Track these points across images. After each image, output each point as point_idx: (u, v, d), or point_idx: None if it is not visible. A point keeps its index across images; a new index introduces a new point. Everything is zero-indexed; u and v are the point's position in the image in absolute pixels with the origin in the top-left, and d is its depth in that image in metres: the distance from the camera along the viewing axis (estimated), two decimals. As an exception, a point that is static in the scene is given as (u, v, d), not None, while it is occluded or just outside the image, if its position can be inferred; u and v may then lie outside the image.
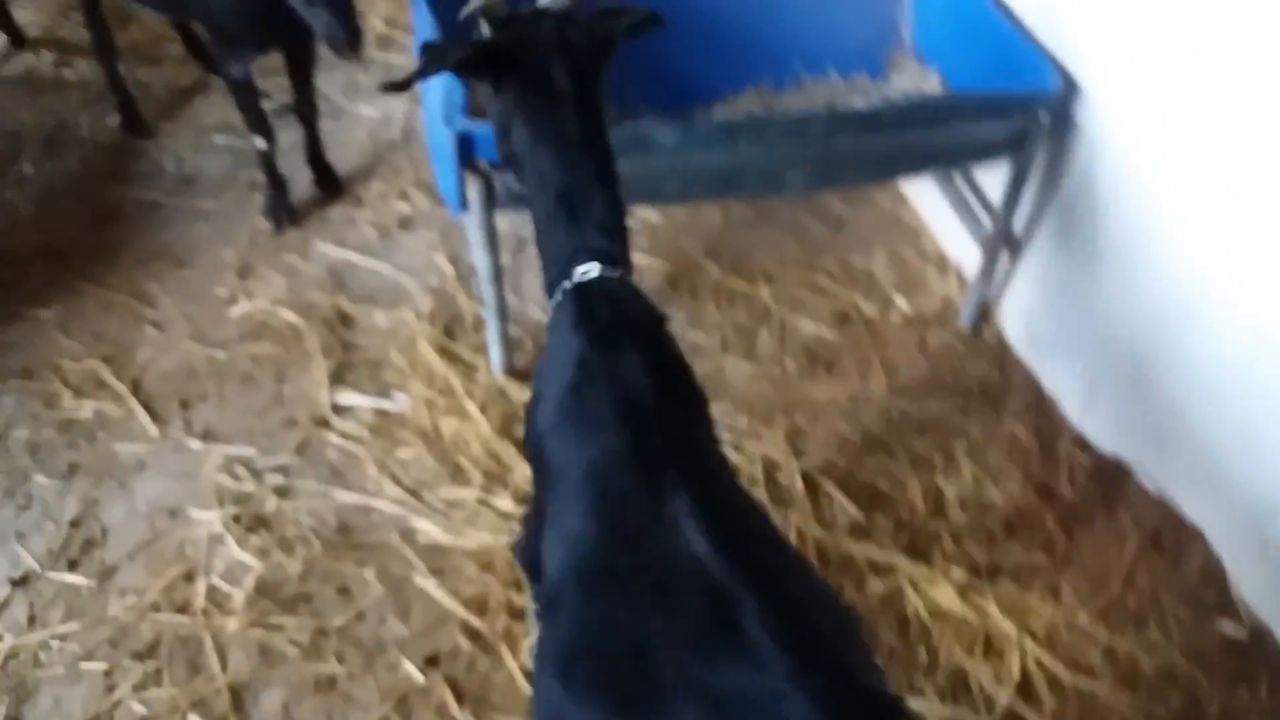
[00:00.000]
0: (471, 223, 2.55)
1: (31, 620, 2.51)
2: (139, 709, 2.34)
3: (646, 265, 3.23)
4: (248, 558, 2.56)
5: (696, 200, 3.22)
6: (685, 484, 1.41)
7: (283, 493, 2.69)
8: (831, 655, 1.29)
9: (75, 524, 2.68)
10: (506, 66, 1.74)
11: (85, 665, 2.41)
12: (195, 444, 2.81)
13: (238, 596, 2.50)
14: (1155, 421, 2.51)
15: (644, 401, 1.53)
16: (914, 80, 3.06)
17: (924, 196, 3.30)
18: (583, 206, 1.70)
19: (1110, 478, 2.66)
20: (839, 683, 1.24)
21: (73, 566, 2.60)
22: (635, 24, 1.86)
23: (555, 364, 1.67)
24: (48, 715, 2.35)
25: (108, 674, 2.40)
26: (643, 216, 3.37)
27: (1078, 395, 2.75)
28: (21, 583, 2.57)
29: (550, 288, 1.72)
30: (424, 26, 2.60)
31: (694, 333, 3.05)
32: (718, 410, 2.80)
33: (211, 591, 2.52)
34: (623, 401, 1.53)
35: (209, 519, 2.64)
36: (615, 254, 1.69)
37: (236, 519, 2.64)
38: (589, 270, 1.65)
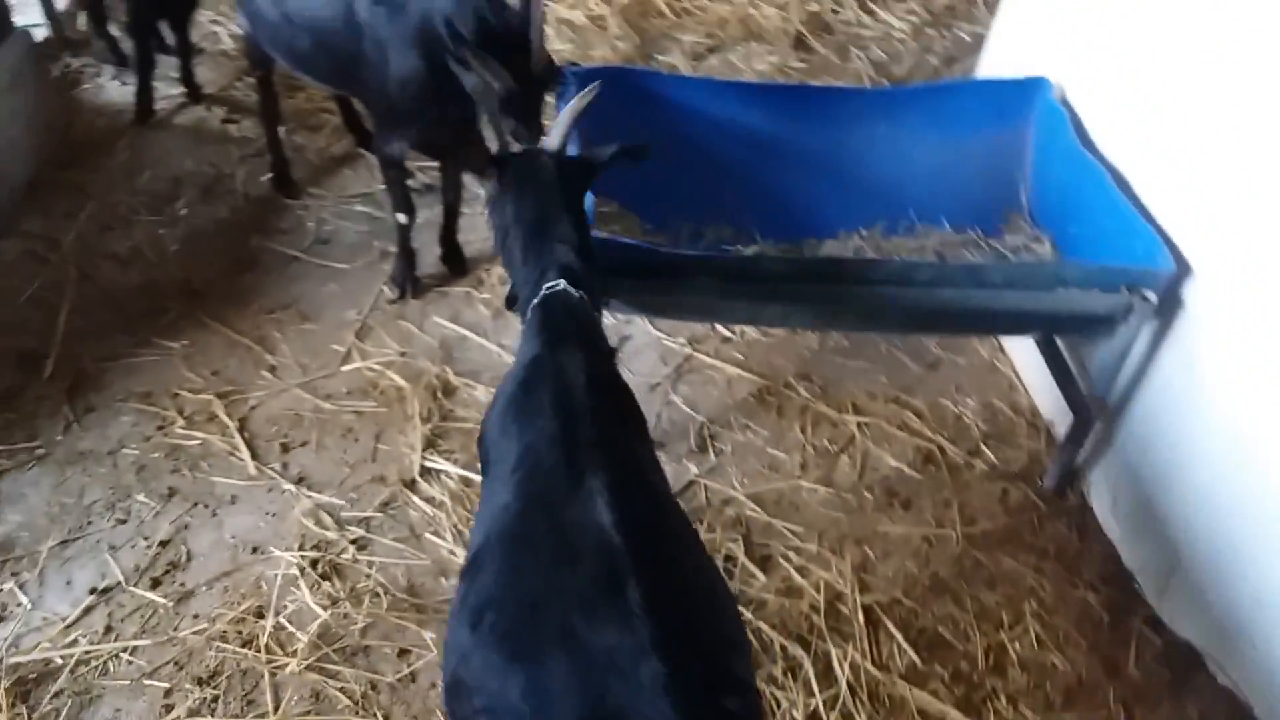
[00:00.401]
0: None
1: (108, 630, 2.64)
2: (190, 735, 2.43)
3: (736, 377, 3.31)
4: (316, 604, 2.66)
5: (796, 327, 3.30)
6: (606, 466, 1.61)
7: (361, 545, 2.80)
8: (696, 634, 1.45)
9: (164, 544, 2.83)
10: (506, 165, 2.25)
11: (148, 682, 2.52)
12: (288, 486, 2.96)
13: (301, 639, 2.59)
14: (1234, 614, 2.44)
15: (580, 394, 1.77)
16: (1025, 242, 3.12)
17: (1023, 351, 3.32)
18: (555, 232, 2.08)
19: (1180, 663, 2.58)
20: (693, 656, 1.40)
21: (154, 585, 2.73)
22: (623, 154, 2.27)
23: (513, 369, 1.94)
24: (105, 724, 2.45)
25: (167, 694, 2.50)
26: (740, 330, 3.46)
27: (1157, 573, 2.70)
28: (105, 593, 2.72)
29: (523, 309, 2.02)
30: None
31: (774, 450, 3.10)
32: (786, 530, 2.85)
33: (278, 630, 2.62)
34: (563, 392, 1.78)
35: (288, 560, 2.76)
36: (580, 277, 2.02)
37: (314, 564, 2.75)
38: (556, 285, 1.97)
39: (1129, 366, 2.74)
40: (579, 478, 1.60)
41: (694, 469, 3.04)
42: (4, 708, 2.44)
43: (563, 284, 1.98)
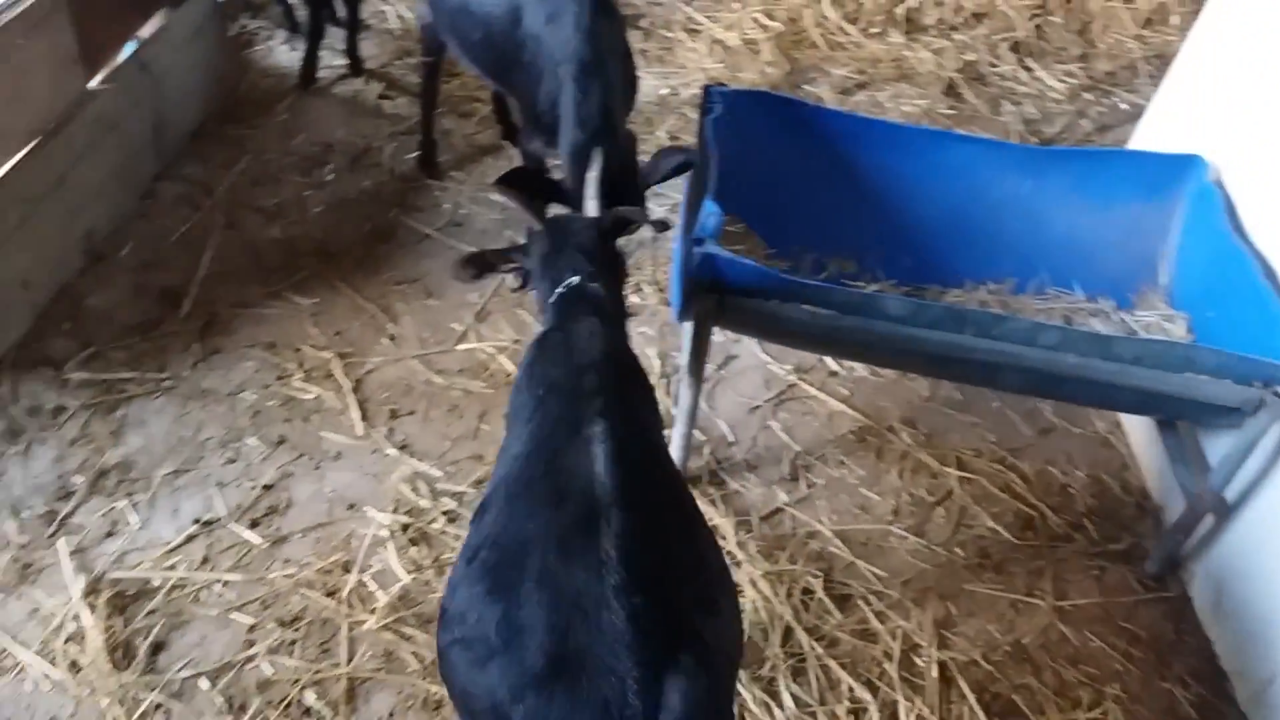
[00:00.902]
0: (688, 332, 2.69)
1: (205, 561, 2.77)
2: (266, 670, 2.53)
3: (838, 412, 3.29)
4: (401, 567, 2.74)
5: (909, 371, 3.26)
6: (607, 416, 1.69)
7: (451, 518, 2.88)
8: (664, 588, 1.49)
9: (268, 488, 2.95)
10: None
11: (234, 616, 2.64)
12: (391, 451, 3.06)
13: (381, 599, 2.67)
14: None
15: (591, 352, 1.91)
16: (1159, 319, 3.02)
17: (1141, 430, 3.21)
18: (574, 241, 2.23)
19: (1267, 777, 2.46)
20: (656, 609, 1.44)
21: (253, 525, 2.86)
22: (643, 223, 2.39)
23: (527, 350, 2.08)
24: (189, 649, 2.57)
25: (251, 629, 2.61)
26: (849, 366, 3.44)
27: (1254, 679, 2.57)
28: (207, 525, 2.85)
29: (546, 312, 2.17)
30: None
31: (868, 492, 3.06)
32: (870, 573, 2.81)
33: (361, 587, 2.71)
34: (574, 350, 1.92)
35: (380, 521, 2.85)
36: (596, 274, 2.17)
37: (404, 529, 2.83)
38: (573, 280, 2.13)
39: (1252, 463, 2.63)
40: (578, 424, 1.70)
41: (783, 496, 3.02)
42: (102, 617, 2.59)
43: (579, 279, 2.14)
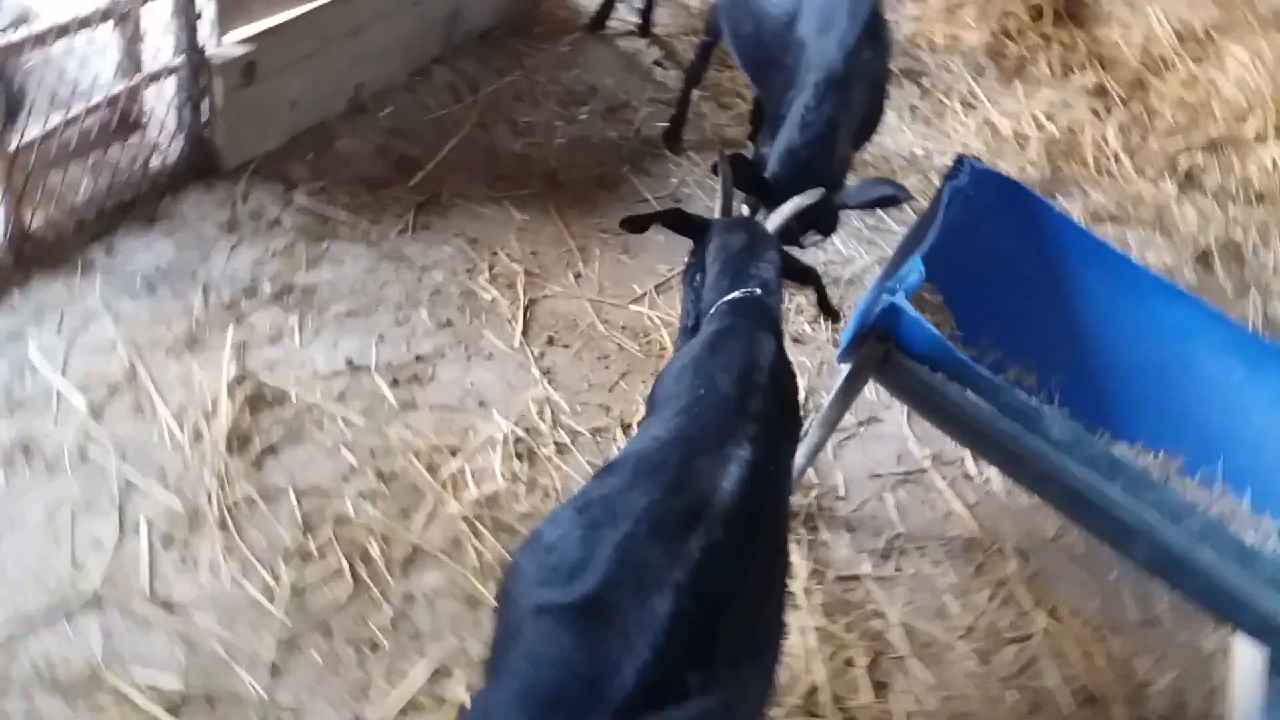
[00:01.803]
0: (842, 375, 2.70)
1: (340, 396, 3.00)
2: (348, 508, 2.72)
3: (957, 514, 3.22)
4: (500, 473, 2.89)
5: (1045, 500, 3.15)
6: (754, 442, 1.73)
7: (560, 449, 3.01)
8: (719, 609, 1.52)
9: (419, 359, 3.16)
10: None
11: (344, 452, 2.85)
12: (535, 371, 3.22)
13: (472, 493, 2.83)
14: None
15: (761, 372, 1.92)
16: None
17: (1248, 661, 2.99)
18: (759, 256, 2.26)
19: None
20: (702, 620, 1.48)
21: (394, 384, 3.07)
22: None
23: (698, 338, 2.09)
24: (294, 463, 2.80)
25: (351, 470, 2.82)
26: (984, 475, 3.37)
27: None
28: (356, 368, 3.08)
29: (704, 312, 2.19)
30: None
31: (951, 599, 2.99)
32: (917, 672, 2.76)
33: (459, 474, 2.87)
34: (748, 365, 1.93)
35: (501, 426, 3.01)
36: (776, 291, 2.22)
37: (517, 441, 2.99)
38: (752, 291, 2.16)
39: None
40: (726, 439, 1.74)
41: (867, 567, 3.00)
42: (237, 407, 2.85)
43: (759, 291, 2.15)
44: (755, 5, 3.37)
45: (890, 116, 4.54)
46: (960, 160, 3.03)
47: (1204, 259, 4.57)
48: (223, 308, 3.13)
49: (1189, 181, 4.93)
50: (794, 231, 2.47)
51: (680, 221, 2.43)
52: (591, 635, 1.46)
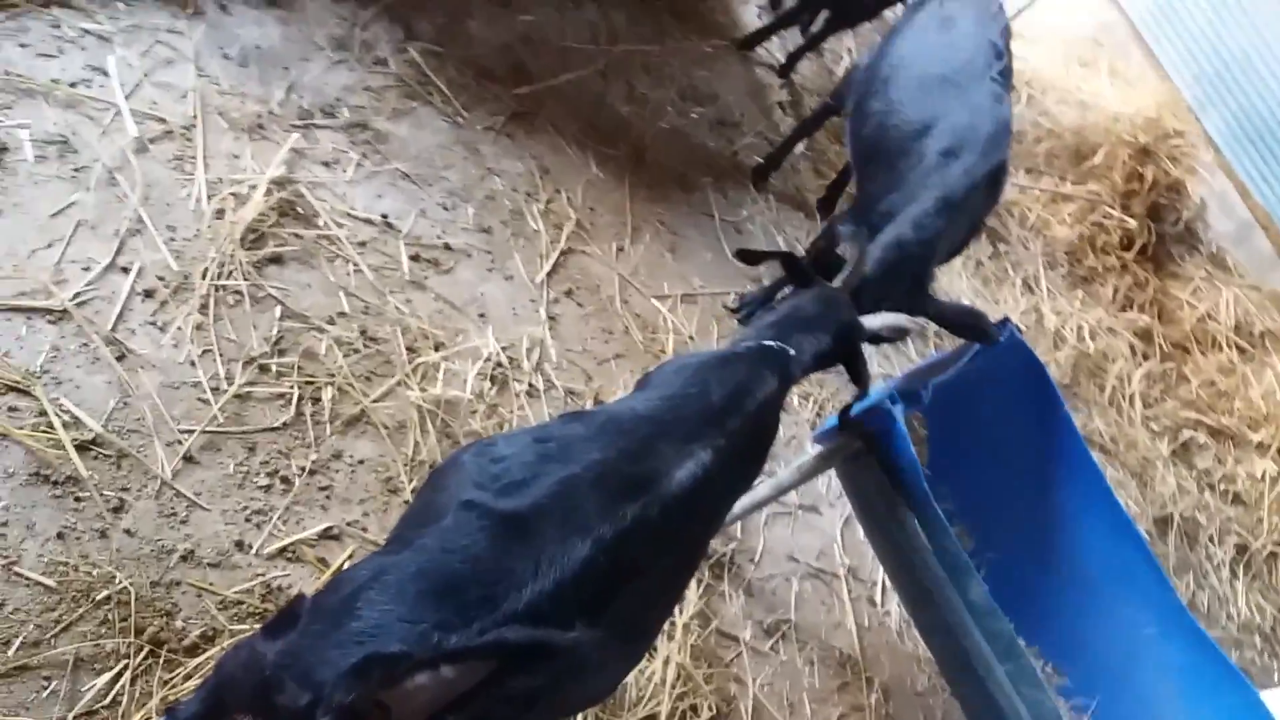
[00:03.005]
0: (808, 453, 2.76)
1: (363, 245, 3.02)
2: (320, 347, 2.74)
3: (846, 629, 3.28)
4: (470, 385, 2.92)
5: (933, 651, 3.19)
6: (716, 456, 1.79)
7: (532, 393, 3.04)
8: (623, 582, 1.59)
9: (447, 248, 3.19)
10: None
11: (341, 295, 2.87)
12: (542, 312, 3.26)
13: (435, 390, 2.85)
14: None
15: (750, 407, 1.96)
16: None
17: None
18: (810, 330, 2.28)
19: None
20: (606, 584, 1.55)
21: (414, 259, 3.10)
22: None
23: (709, 351, 2.24)
24: (290, 280, 2.82)
25: (340, 314, 2.84)
26: (889, 611, 3.42)
27: None
28: (388, 226, 3.10)
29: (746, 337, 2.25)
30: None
31: (807, 695, 3.05)
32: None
33: (432, 366, 2.90)
34: (741, 388, 1.97)
35: (490, 345, 3.04)
36: (815, 365, 2.27)
37: (498, 364, 3.02)
38: (792, 353, 2.18)
39: None
40: (695, 439, 1.80)
41: (749, 634, 3.05)
42: (268, 206, 2.85)
43: (791, 352, 2.19)
44: (890, 99, 3.42)
45: (957, 259, 4.62)
46: (1005, 321, 3.11)
47: (1162, 525, 4.69)
48: (298, 112, 3.14)
49: (1182, 452, 5.07)
50: (878, 335, 2.51)
51: (791, 265, 2.47)
52: (507, 547, 1.51)
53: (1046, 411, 3.20)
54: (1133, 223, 5.61)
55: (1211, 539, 4.82)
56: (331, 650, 1.37)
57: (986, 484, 3.20)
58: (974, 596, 2.52)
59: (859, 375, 2.40)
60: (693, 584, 2.98)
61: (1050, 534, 3.19)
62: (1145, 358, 5.32)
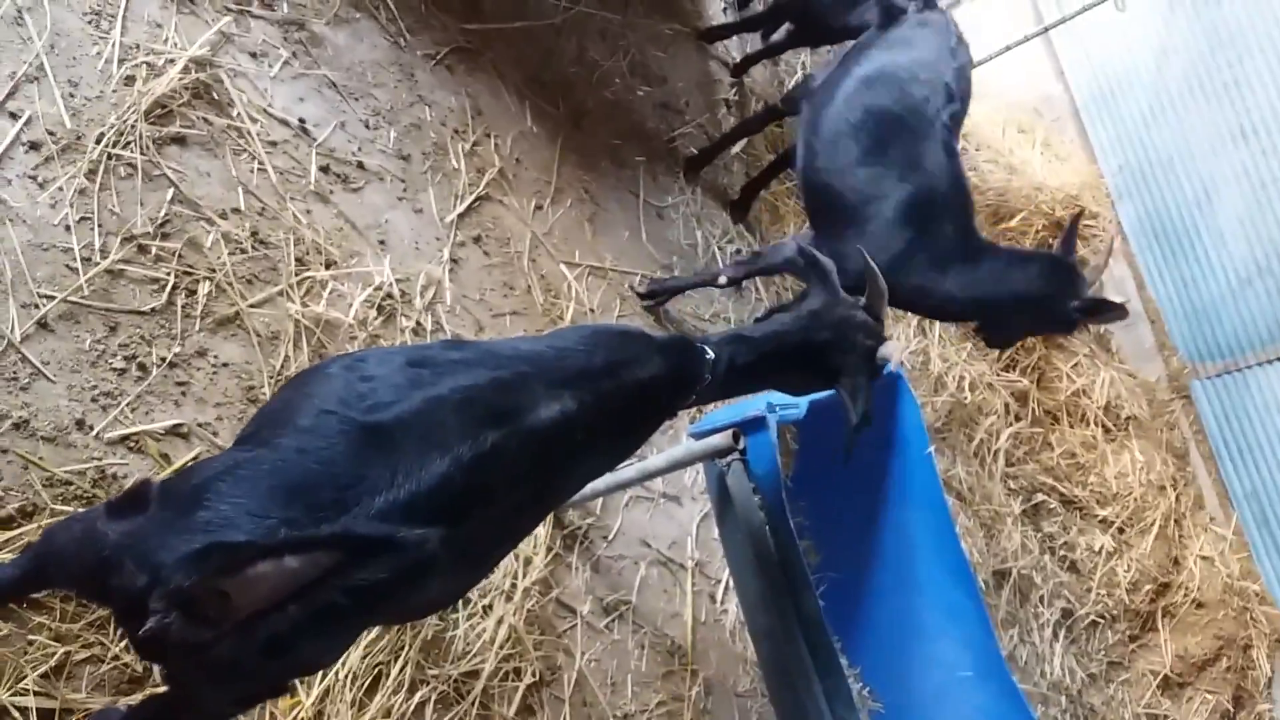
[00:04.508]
0: (682, 447, 2.79)
1: (273, 143, 2.91)
2: (206, 240, 2.63)
3: (680, 619, 3.33)
4: (355, 311, 2.85)
5: (760, 654, 3.22)
6: (580, 408, 1.81)
7: (419, 332, 2.99)
8: (473, 505, 1.60)
9: (360, 166, 3.11)
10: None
11: (240, 193, 2.77)
12: (445, 253, 3.19)
13: (318, 308, 2.77)
14: None
15: (633, 377, 1.98)
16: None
17: None
18: (750, 340, 2.28)
19: None
20: (457, 501, 1.57)
21: (323, 169, 3.01)
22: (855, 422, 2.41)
23: (622, 324, 2.30)
24: (190, 165, 2.70)
25: (239, 213, 2.74)
26: (728, 609, 3.48)
27: None
28: (304, 132, 3.01)
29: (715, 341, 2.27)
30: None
31: (632, 678, 3.08)
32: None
33: (319, 283, 2.82)
34: (630, 359, 1.99)
35: (384, 274, 2.98)
36: (718, 351, 2.20)
37: (388, 296, 2.95)
38: (705, 350, 2.18)
39: None
40: (567, 387, 1.82)
41: (587, 609, 3.07)
42: (176, 83, 2.71)
43: (709, 355, 2.17)
44: (841, 128, 3.43)
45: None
46: (886, 368, 3.19)
47: (1000, 577, 4.89)
48: (234, -4, 3.00)
49: (1032, 513, 5.30)
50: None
51: (813, 262, 2.46)
52: (365, 455, 1.51)
53: (912, 449, 3.30)
54: (1031, 288, 5.81)
55: (1042, 599, 5.05)
56: (175, 536, 1.37)
57: (842, 506, 3.30)
58: (807, 609, 2.59)
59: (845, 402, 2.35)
60: (541, 550, 2.98)
61: (893, 565, 3.29)
62: (1017, 418, 5.52)
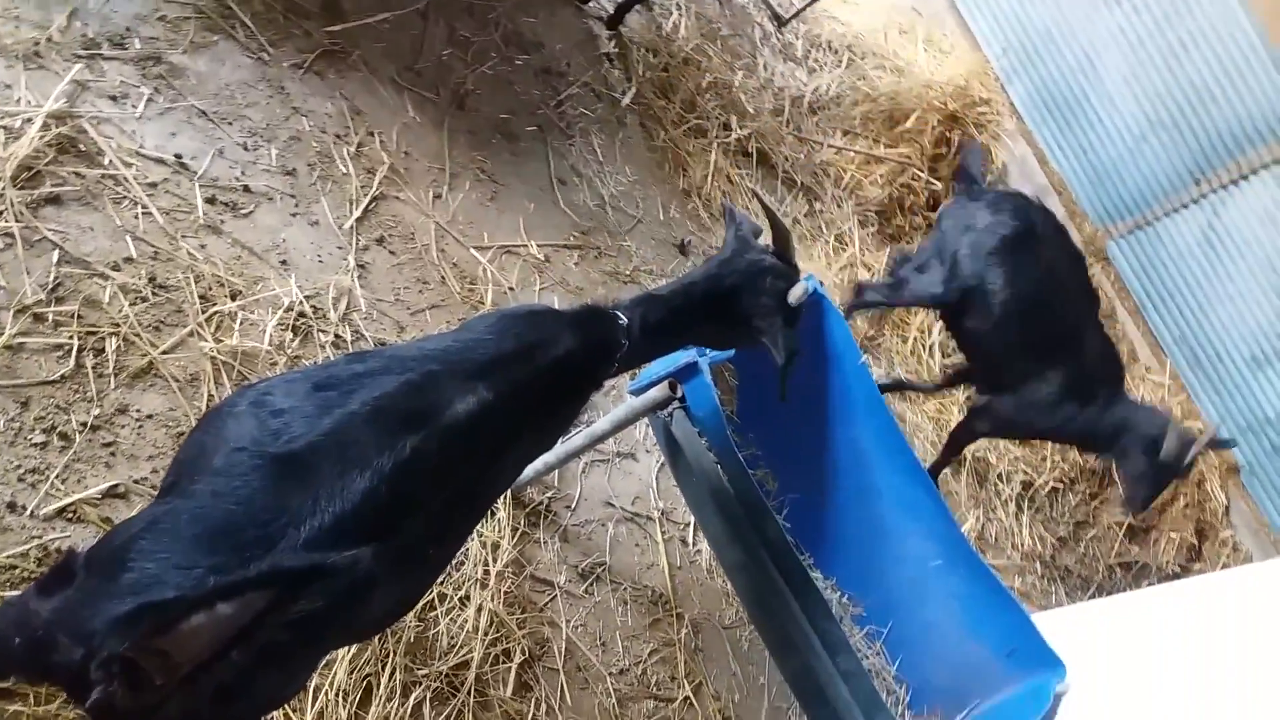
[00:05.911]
0: (626, 406, 2.82)
1: (153, 186, 2.87)
2: (103, 295, 2.58)
3: (659, 568, 3.38)
4: (269, 336, 2.82)
5: (733, 582, 3.26)
6: (496, 395, 1.81)
7: (339, 344, 2.95)
8: (398, 520, 1.60)
9: (247, 190, 3.05)
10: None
11: (128, 242, 2.72)
12: (351, 260, 3.16)
13: (232, 341, 2.74)
14: None
15: (545, 357, 1.96)
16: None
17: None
18: (662, 295, 2.28)
19: None
20: (384, 513, 1.56)
21: (209, 201, 2.96)
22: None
23: (534, 303, 2.25)
24: (71, 222, 2.64)
25: (128, 260, 2.68)
26: (700, 549, 3.54)
27: None
28: (182, 167, 2.94)
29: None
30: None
31: (619, 634, 3.13)
32: (566, 692, 2.86)
33: (229, 315, 2.79)
34: (542, 343, 1.97)
35: (292, 294, 2.94)
36: (630, 315, 2.18)
37: (301, 315, 2.91)
38: (617, 314, 2.17)
39: None
40: (478, 378, 1.81)
41: (563, 579, 3.10)
42: (44, 142, 2.64)
43: (622, 320, 2.16)
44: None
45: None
46: (807, 278, 3.23)
47: (956, 465, 5.02)
48: (82, 41, 2.90)
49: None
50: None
51: (729, 214, 2.46)
52: (282, 487, 1.49)
53: (846, 362, 3.36)
54: (939, 185, 5.89)
55: (1000, 477, 5.20)
56: (105, 603, 1.34)
57: (790, 430, 3.35)
58: (771, 536, 2.65)
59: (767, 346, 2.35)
60: (506, 533, 3.00)
61: (847, 475, 3.36)
62: (949, 312, 5.62)
